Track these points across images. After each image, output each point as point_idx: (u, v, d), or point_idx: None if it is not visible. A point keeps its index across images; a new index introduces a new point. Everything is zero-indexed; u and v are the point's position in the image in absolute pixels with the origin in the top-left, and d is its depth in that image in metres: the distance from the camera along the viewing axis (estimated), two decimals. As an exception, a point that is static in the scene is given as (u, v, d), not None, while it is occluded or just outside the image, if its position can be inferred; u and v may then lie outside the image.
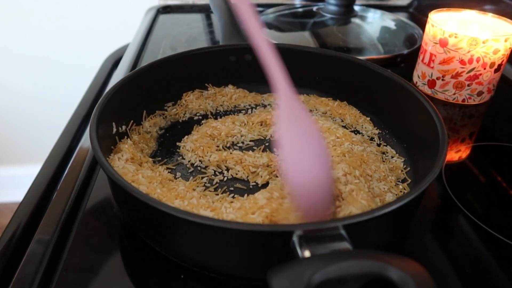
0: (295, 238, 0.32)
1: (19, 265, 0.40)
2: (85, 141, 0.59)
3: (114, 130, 0.51)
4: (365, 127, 0.58)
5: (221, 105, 0.63)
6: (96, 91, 0.81)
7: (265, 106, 0.63)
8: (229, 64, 0.64)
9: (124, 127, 0.52)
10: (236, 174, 0.49)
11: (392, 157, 0.53)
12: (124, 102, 0.52)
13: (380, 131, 0.58)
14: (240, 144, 0.55)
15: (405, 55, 0.83)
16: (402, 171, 0.50)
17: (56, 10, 1.33)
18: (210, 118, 0.60)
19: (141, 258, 0.42)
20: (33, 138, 1.58)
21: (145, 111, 0.56)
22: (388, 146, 0.55)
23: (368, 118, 0.60)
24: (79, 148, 0.57)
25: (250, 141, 0.55)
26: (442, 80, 0.69)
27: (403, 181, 0.49)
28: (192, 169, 0.50)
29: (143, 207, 0.36)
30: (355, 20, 1.00)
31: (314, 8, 1.04)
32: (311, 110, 0.62)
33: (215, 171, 0.50)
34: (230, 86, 0.65)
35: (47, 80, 1.46)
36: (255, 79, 0.62)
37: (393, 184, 0.47)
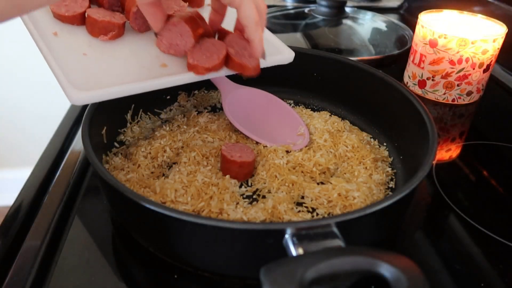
0: (287, 236, 0.32)
1: (11, 267, 0.40)
2: (77, 142, 0.59)
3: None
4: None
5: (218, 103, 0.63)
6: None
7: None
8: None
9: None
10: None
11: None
12: (117, 103, 0.52)
13: (371, 130, 0.58)
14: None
15: (396, 56, 0.84)
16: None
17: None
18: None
19: (134, 259, 0.42)
20: (23, 141, 1.57)
21: (141, 111, 0.57)
22: (381, 145, 0.56)
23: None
24: (71, 149, 0.57)
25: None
26: (432, 80, 0.70)
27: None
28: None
29: (136, 207, 0.36)
30: (347, 22, 1.01)
31: (306, 10, 1.05)
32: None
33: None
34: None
35: (37, 84, 1.45)
36: (254, 79, 0.62)
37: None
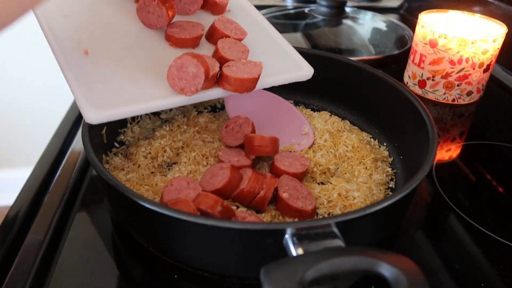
0: (288, 236, 0.32)
1: (11, 267, 0.40)
2: (77, 142, 0.59)
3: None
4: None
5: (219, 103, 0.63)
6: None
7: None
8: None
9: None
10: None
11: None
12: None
13: (371, 130, 0.58)
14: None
15: (396, 56, 0.84)
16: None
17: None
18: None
19: (134, 259, 0.42)
20: (23, 141, 1.57)
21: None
22: (380, 145, 0.56)
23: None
24: (71, 149, 0.57)
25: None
26: (432, 80, 0.70)
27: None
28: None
29: (136, 207, 0.36)
30: (347, 22, 1.01)
31: (306, 10, 1.05)
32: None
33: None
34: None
35: (37, 84, 1.45)
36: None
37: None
